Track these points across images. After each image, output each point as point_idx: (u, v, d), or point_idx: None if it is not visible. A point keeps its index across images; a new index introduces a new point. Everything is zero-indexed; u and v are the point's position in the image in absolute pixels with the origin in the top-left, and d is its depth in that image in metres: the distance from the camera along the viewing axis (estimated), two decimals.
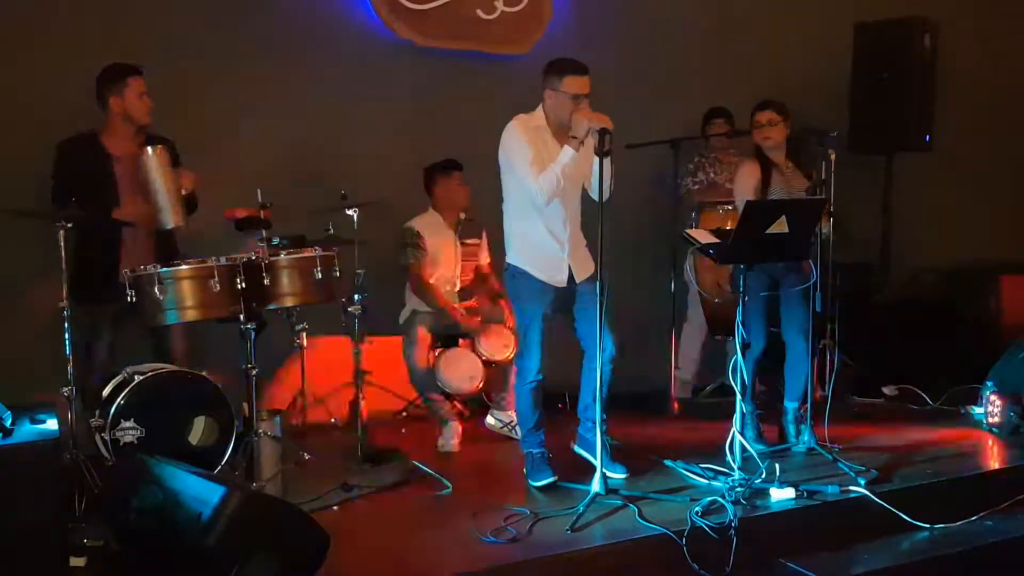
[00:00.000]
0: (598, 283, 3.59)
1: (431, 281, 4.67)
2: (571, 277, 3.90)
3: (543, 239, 3.86)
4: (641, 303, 5.62)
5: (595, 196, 3.81)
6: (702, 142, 5.37)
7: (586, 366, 3.96)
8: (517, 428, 4.57)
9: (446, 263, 4.73)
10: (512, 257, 3.92)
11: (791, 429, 4.37)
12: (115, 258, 3.87)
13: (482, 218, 4.77)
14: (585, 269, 3.94)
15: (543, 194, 3.70)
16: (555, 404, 4.95)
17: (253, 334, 3.76)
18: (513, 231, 3.92)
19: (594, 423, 3.91)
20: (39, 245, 4.20)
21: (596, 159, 3.60)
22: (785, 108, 4.29)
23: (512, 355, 4.60)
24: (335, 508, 3.59)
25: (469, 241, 4.80)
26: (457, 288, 4.81)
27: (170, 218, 3.86)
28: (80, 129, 3.96)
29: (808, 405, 4.28)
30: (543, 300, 3.85)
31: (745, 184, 4.26)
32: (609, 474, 3.71)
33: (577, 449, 4.09)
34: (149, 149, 3.83)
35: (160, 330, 3.98)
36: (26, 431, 3.09)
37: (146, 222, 3.89)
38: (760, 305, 4.20)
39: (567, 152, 3.67)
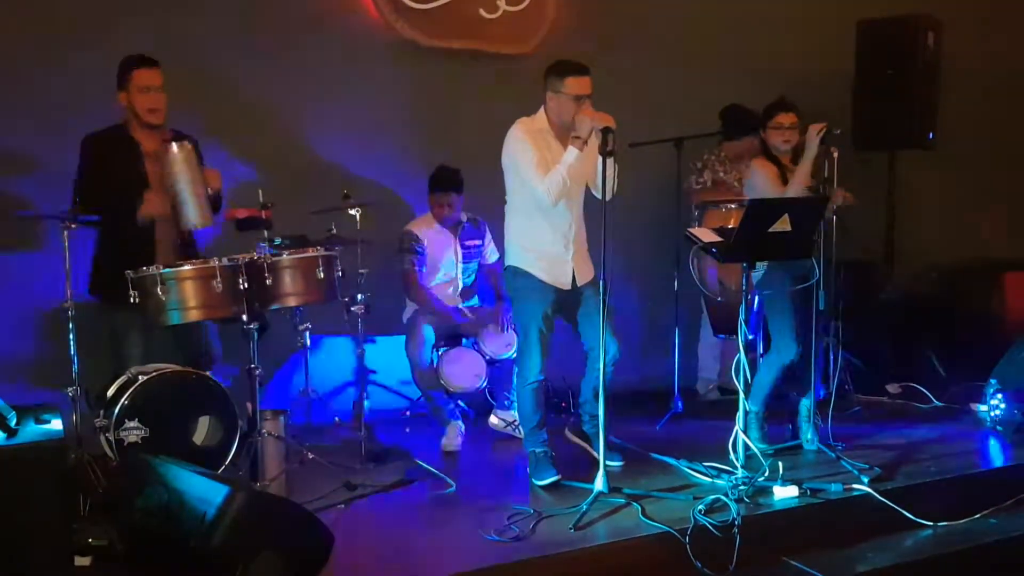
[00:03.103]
0: (601, 282, 3.60)
1: (430, 285, 4.66)
2: (574, 280, 3.91)
3: (548, 241, 3.86)
4: (644, 303, 5.62)
5: (599, 196, 3.83)
6: (709, 140, 5.35)
7: (589, 366, 3.99)
8: (520, 427, 4.58)
9: (447, 266, 4.73)
10: (514, 259, 3.92)
11: (804, 426, 4.32)
12: (147, 259, 3.74)
13: (486, 218, 4.78)
14: (587, 273, 3.96)
15: (550, 195, 3.70)
16: (559, 404, 4.97)
17: (256, 334, 3.78)
18: (516, 233, 3.92)
19: (591, 416, 3.99)
20: (46, 244, 4.23)
21: (600, 159, 3.62)
22: (800, 110, 4.25)
23: (514, 354, 4.60)
24: (339, 507, 3.60)
25: (470, 243, 4.78)
26: (460, 289, 4.81)
27: (195, 218, 3.74)
28: (108, 124, 3.85)
29: (812, 403, 4.26)
30: (544, 300, 3.85)
31: (767, 181, 4.17)
32: (609, 463, 3.74)
33: (568, 434, 4.12)
34: (175, 146, 3.69)
35: (185, 333, 3.94)
36: (31, 431, 3.09)
37: (169, 218, 3.79)
38: (790, 307, 4.13)
39: (571, 152, 3.67)
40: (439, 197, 4.62)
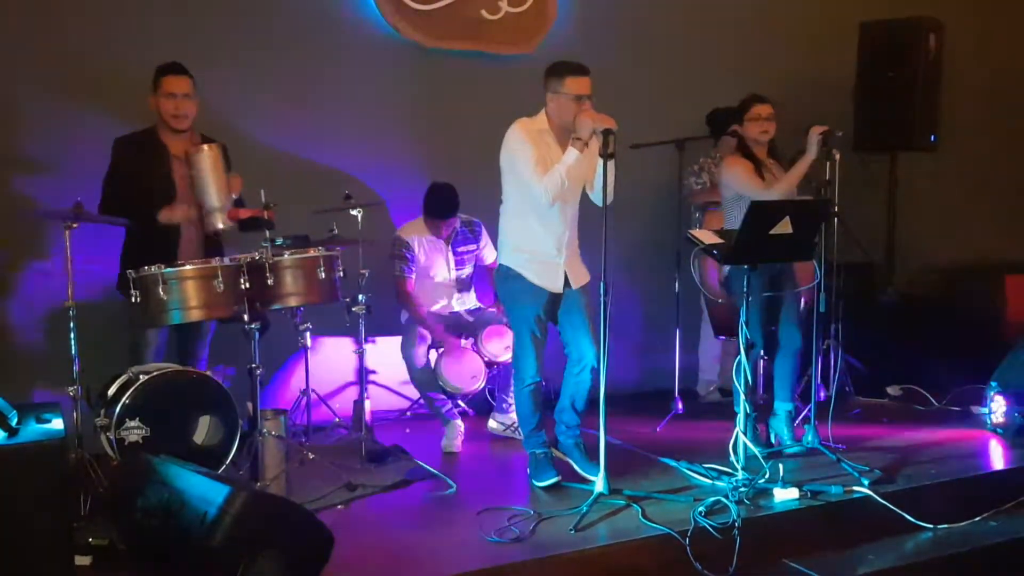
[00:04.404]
0: (601, 284, 3.59)
1: (424, 291, 4.66)
2: (566, 283, 3.89)
3: (540, 244, 3.84)
4: (645, 304, 5.62)
5: (595, 199, 3.83)
6: (708, 143, 5.36)
7: (568, 371, 3.97)
8: (519, 429, 4.58)
9: (438, 272, 4.71)
10: (506, 259, 3.91)
11: (784, 431, 4.34)
12: (171, 258, 3.82)
13: (485, 220, 4.77)
14: (580, 277, 3.94)
15: (548, 195, 3.69)
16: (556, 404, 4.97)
17: (257, 334, 3.78)
18: (509, 233, 3.91)
19: (567, 427, 3.98)
20: (47, 244, 4.24)
21: (599, 161, 3.61)
22: (775, 104, 4.26)
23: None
24: (339, 507, 3.60)
25: (463, 250, 4.74)
26: (456, 296, 4.79)
27: (220, 219, 3.85)
28: (116, 127, 3.96)
29: (812, 405, 4.27)
30: (536, 303, 3.84)
31: (743, 175, 4.16)
32: (589, 476, 3.77)
33: (553, 451, 4.11)
34: (205, 147, 3.81)
35: (187, 332, 3.98)
36: (32, 430, 3.09)
37: (193, 224, 3.89)
38: (758, 306, 4.15)
39: (571, 153, 3.66)
40: (434, 221, 4.60)
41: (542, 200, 3.71)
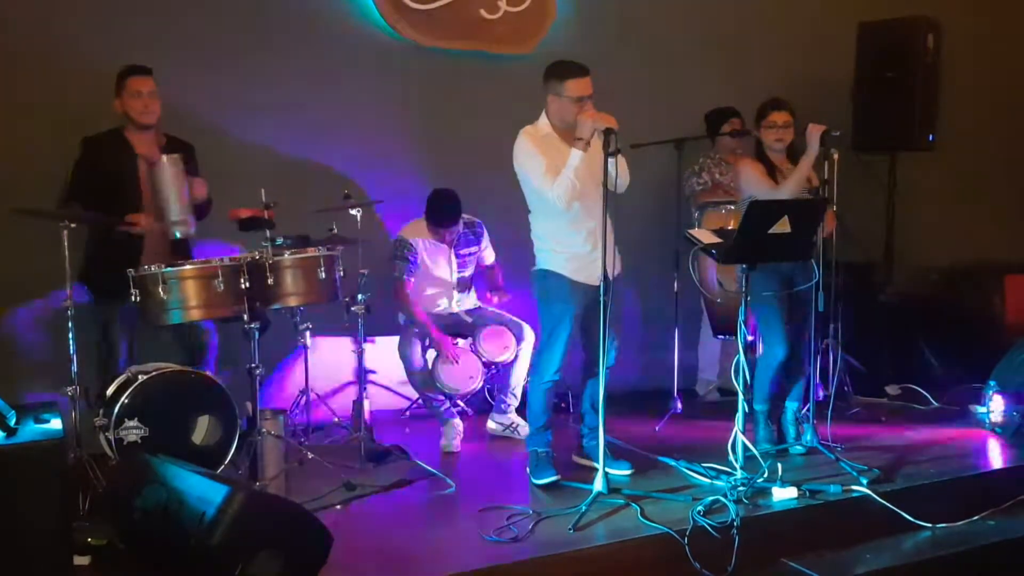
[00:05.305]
0: (601, 284, 3.59)
1: (425, 292, 4.66)
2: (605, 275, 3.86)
3: (573, 243, 3.83)
4: (644, 303, 5.62)
5: (612, 190, 3.81)
6: (708, 143, 5.36)
7: (586, 371, 3.98)
8: (519, 429, 4.59)
9: (440, 274, 4.70)
10: (544, 262, 3.90)
11: (791, 430, 4.36)
12: (136, 255, 3.86)
13: (484, 220, 4.77)
14: (617, 265, 3.91)
15: (560, 200, 3.69)
16: (557, 403, 4.96)
17: (257, 334, 3.78)
18: (543, 236, 3.90)
19: (590, 429, 3.97)
20: (45, 243, 4.23)
21: (604, 158, 3.61)
22: (793, 110, 4.27)
23: (512, 357, 4.60)
24: (338, 507, 3.61)
25: (465, 252, 4.73)
26: (455, 299, 4.78)
27: (180, 229, 3.89)
28: (108, 127, 4.00)
29: (811, 404, 4.28)
30: (573, 300, 3.83)
31: (754, 177, 4.17)
32: (615, 471, 3.76)
33: (577, 459, 4.11)
34: (164, 159, 3.85)
35: (184, 330, 4.00)
36: (30, 430, 3.09)
37: (156, 231, 3.92)
38: (778, 307, 4.15)
39: (575, 155, 3.66)
40: (437, 228, 4.59)
41: (558, 205, 3.71)
